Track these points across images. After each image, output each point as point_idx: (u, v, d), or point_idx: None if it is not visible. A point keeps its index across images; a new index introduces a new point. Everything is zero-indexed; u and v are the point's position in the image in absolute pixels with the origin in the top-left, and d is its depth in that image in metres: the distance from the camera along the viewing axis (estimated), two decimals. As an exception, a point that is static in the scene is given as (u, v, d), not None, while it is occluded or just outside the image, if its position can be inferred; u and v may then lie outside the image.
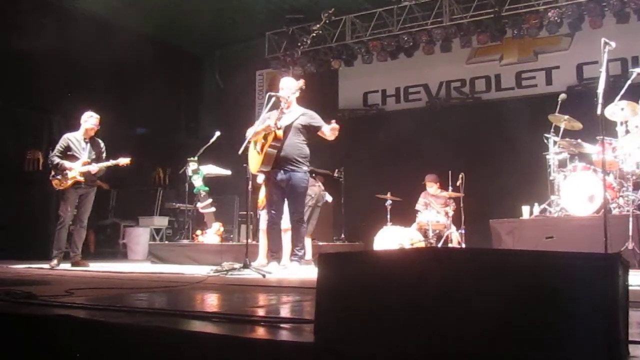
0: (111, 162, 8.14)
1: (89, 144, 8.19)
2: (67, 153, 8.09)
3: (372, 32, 11.75)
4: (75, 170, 7.98)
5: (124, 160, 8.19)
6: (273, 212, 6.65)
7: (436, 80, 12.34)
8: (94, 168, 8.04)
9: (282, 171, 6.43)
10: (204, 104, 15.38)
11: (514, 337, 1.49)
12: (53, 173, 8.13)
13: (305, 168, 6.51)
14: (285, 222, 6.87)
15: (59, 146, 8.16)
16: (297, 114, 6.53)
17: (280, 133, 6.35)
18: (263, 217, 7.44)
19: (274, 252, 6.71)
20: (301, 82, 6.59)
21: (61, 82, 11.22)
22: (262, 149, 6.44)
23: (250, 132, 6.44)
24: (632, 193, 6.85)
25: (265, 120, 6.46)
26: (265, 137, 6.43)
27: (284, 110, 6.54)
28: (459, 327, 1.55)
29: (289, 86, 6.61)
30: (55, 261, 7.90)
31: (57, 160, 8.07)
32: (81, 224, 8.21)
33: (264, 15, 12.33)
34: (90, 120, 8.24)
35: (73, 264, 7.95)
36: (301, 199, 6.57)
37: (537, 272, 1.53)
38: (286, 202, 6.59)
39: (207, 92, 15.41)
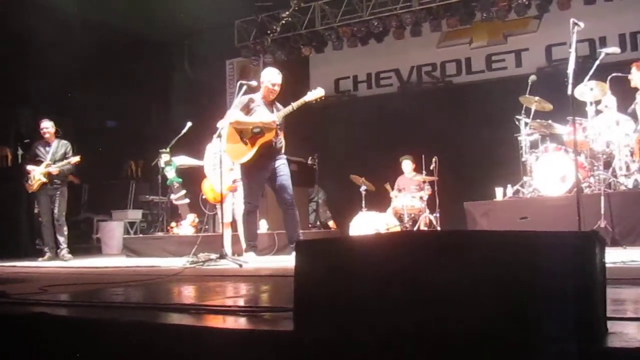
0: (65, 162, 8.74)
1: (51, 148, 8.82)
2: (36, 159, 8.78)
3: (341, 18, 11.71)
4: (37, 172, 8.64)
5: (74, 159, 8.72)
6: (250, 202, 6.65)
7: (407, 65, 12.36)
8: (54, 170, 8.64)
9: (270, 161, 6.49)
10: (173, 94, 15.20)
11: (490, 318, 1.49)
12: (25, 178, 8.82)
13: (285, 155, 6.67)
14: (229, 216, 7.24)
15: (29, 154, 9.07)
16: (281, 108, 6.57)
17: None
18: (225, 210, 7.41)
19: (251, 242, 6.70)
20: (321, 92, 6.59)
21: (28, 76, 11.02)
22: (252, 142, 6.45)
23: (225, 123, 6.43)
24: (603, 172, 6.93)
25: (257, 113, 6.49)
26: (256, 131, 6.47)
27: (276, 104, 6.60)
28: (435, 310, 1.55)
29: (275, 79, 6.60)
30: (45, 257, 8.67)
31: (24, 166, 8.98)
32: (58, 222, 8.77)
33: (233, 3, 12.21)
34: (40, 125, 8.91)
35: (60, 259, 8.56)
36: (289, 183, 6.59)
37: (514, 252, 1.53)
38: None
39: (177, 83, 15.23)
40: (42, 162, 8.69)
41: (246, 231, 6.85)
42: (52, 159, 8.71)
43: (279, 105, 6.61)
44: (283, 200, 6.56)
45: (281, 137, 6.56)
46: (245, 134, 6.49)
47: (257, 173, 6.56)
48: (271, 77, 6.60)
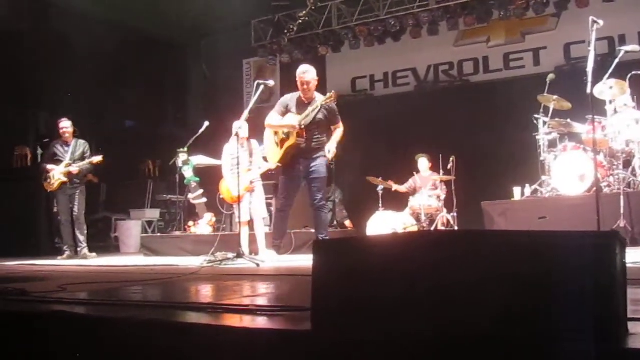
0: (87, 162, 8.84)
1: (70, 147, 8.91)
2: (54, 159, 8.91)
3: (358, 17, 11.69)
4: (56, 172, 8.76)
5: (96, 159, 8.86)
6: (282, 200, 6.72)
7: (424, 63, 12.31)
8: (74, 169, 8.77)
9: (305, 161, 6.51)
10: (191, 94, 15.28)
11: (510, 318, 1.48)
12: (44, 177, 8.92)
13: (323, 155, 6.56)
14: (247, 215, 7.25)
15: (47, 153, 9.14)
16: (318, 109, 6.50)
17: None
18: (242, 209, 7.43)
19: (276, 240, 6.76)
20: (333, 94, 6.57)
21: (47, 77, 11.13)
22: (281, 144, 6.49)
23: (238, 125, 6.52)
24: (623, 171, 6.86)
25: (288, 115, 6.51)
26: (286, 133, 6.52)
27: (307, 104, 6.56)
28: (453, 311, 1.54)
29: (301, 76, 6.57)
30: (64, 256, 8.76)
31: (43, 165, 9.06)
32: (79, 220, 8.91)
33: (250, 3, 12.24)
34: (60, 125, 9.00)
35: (81, 257, 8.66)
36: (323, 183, 6.58)
37: (533, 252, 1.52)
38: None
39: (194, 83, 15.31)
40: (61, 161, 8.80)
41: (274, 228, 6.90)
42: (72, 158, 8.81)
43: (315, 104, 6.55)
44: (310, 200, 6.61)
45: (314, 136, 6.50)
46: (277, 136, 6.59)
47: (290, 172, 6.62)
48: (298, 73, 6.60)
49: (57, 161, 8.83)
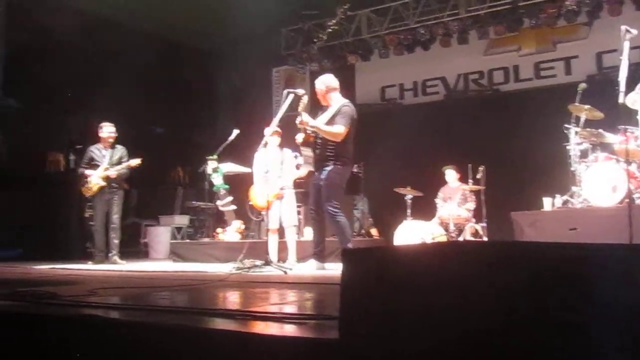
0: (125, 165, 8.87)
1: (109, 152, 8.92)
2: (92, 163, 8.89)
3: (388, 26, 11.70)
4: (95, 176, 8.77)
5: (135, 162, 8.91)
6: (310, 207, 6.75)
7: (454, 72, 12.25)
8: (113, 173, 8.79)
9: (319, 168, 6.49)
10: (220, 102, 15.38)
11: (539, 332, 1.47)
12: (81, 182, 8.94)
13: (339, 164, 6.42)
14: (275, 222, 7.38)
15: (84, 158, 9.05)
16: (330, 113, 6.51)
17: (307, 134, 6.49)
18: (271, 217, 7.45)
19: (314, 248, 6.71)
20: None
21: (80, 83, 11.31)
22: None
23: (269, 131, 6.56)
24: (656, 182, 6.76)
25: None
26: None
27: (324, 109, 6.61)
28: (482, 322, 1.53)
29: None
30: (95, 260, 8.77)
31: (81, 170, 8.97)
32: (113, 226, 8.91)
33: (280, 12, 12.31)
34: (104, 129, 9.01)
35: (111, 263, 8.62)
36: (332, 193, 6.41)
37: (564, 264, 1.51)
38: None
39: (224, 90, 15.41)
40: (97, 165, 8.81)
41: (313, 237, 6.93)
42: (110, 162, 8.82)
43: (330, 109, 6.55)
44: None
45: (327, 145, 6.41)
46: None
47: (312, 179, 6.63)
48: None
49: (94, 165, 8.84)
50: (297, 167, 7.41)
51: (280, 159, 7.69)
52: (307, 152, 6.52)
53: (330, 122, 6.40)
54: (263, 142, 6.52)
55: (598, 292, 1.44)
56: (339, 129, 6.27)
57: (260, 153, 7.30)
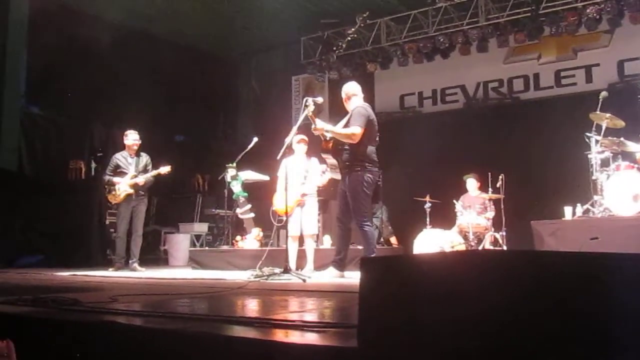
0: (154, 172, 8.88)
1: (135, 159, 8.96)
2: (117, 171, 8.90)
3: (407, 34, 11.72)
4: (123, 184, 8.78)
5: (165, 169, 8.93)
6: (337, 213, 6.73)
7: (473, 81, 12.20)
8: (141, 180, 8.81)
9: (344, 175, 6.48)
10: (240, 110, 15.49)
11: (560, 343, 1.46)
12: (107, 189, 8.94)
13: (359, 169, 6.38)
14: (296, 229, 7.40)
15: (109, 165, 9.02)
16: (346, 118, 6.54)
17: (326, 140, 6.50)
18: (292, 223, 7.46)
19: (335, 256, 6.67)
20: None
21: (102, 91, 11.44)
22: None
23: (288, 139, 6.59)
24: (679, 191, 6.68)
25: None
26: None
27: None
28: (502, 332, 1.52)
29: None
30: (115, 267, 8.79)
31: (107, 177, 8.96)
32: (137, 233, 8.94)
33: (299, 21, 12.38)
34: (129, 136, 9.04)
35: (130, 270, 8.59)
36: (357, 200, 6.38)
37: (585, 274, 1.50)
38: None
39: (244, 99, 15.51)
40: (124, 173, 8.83)
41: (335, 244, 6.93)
42: (137, 170, 8.85)
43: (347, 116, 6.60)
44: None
45: (343, 150, 6.42)
46: None
47: (339, 186, 6.63)
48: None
49: (120, 173, 8.84)
50: (322, 173, 7.43)
51: (306, 167, 7.71)
52: (331, 159, 6.52)
53: (346, 126, 6.44)
54: (282, 149, 6.53)
55: (620, 302, 1.44)
56: (354, 130, 6.27)
57: (288, 160, 7.32)
